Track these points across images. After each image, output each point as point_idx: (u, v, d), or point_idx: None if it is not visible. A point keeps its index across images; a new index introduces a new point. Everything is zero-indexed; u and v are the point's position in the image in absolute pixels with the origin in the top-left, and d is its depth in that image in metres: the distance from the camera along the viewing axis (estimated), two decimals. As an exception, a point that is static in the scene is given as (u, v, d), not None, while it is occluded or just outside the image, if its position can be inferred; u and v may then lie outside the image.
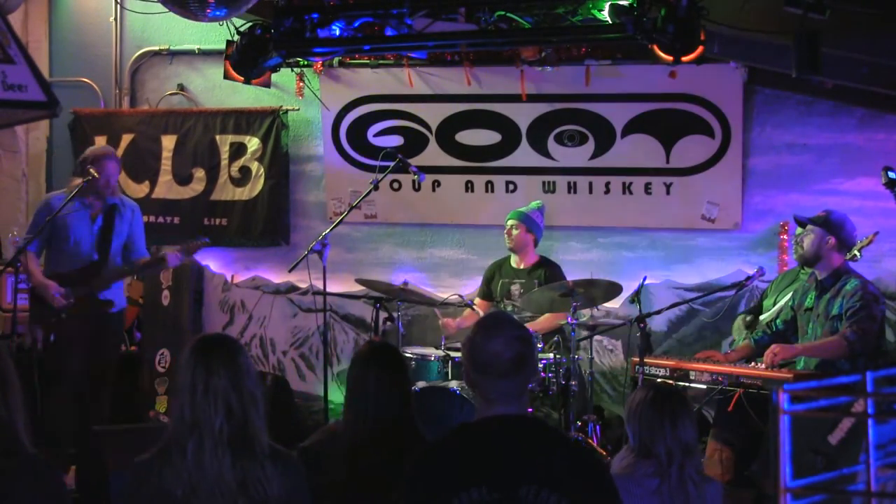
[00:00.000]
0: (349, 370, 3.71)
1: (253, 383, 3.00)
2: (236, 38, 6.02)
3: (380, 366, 3.62)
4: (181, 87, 8.11)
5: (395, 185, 7.62)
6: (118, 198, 6.32)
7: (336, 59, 7.43)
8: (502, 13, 5.62)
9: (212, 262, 7.97)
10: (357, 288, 6.98)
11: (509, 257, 6.77)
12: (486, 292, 6.82)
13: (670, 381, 5.43)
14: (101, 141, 7.99)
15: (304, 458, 3.49)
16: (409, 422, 3.58)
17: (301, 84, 7.63)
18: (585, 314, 6.82)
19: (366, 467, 3.45)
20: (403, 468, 2.72)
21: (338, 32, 5.85)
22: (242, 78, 6.17)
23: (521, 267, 6.68)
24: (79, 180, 6.16)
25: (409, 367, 3.76)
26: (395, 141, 7.55)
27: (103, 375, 6.38)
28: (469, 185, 7.53)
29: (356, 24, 5.86)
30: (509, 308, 6.55)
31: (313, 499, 3.10)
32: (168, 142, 7.95)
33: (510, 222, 6.65)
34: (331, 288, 6.50)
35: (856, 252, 5.85)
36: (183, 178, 7.94)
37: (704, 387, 5.50)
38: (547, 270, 6.59)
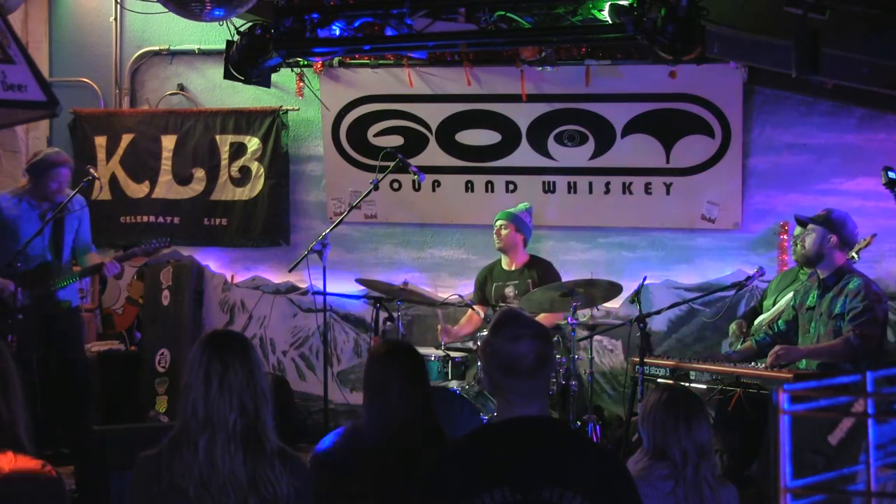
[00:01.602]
0: (367, 370, 3.65)
1: (265, 381, 3.00)
2: (236, 38, 6.02)
3: (399, 365, 3.56)
4: (181, 87, 8.11)
5: (395, 185, 7.62)
6: (63, 195, 6.27)
7: (336, 59, 7.43)
8: (502, 13, 5.62)
9: (212, 262, 7.97)
10: (357, 288, 6.98)
11: (499, 260, 6.75)
12: (482, 297, 6.79)
13: (670, 381, 5.43)
14: (101, 141, 8.00)
15: (326, 460, 3.45)
16: (432, 420, 3.53)
17: (301, 84, 7.63)
18: (585, 314, 6.82)
19: (389, 468, 3.39)
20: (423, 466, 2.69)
21: (338, 32, 5.84)
22: (242, 78, 6.16)
23: (513, 268, 6.65)
24: (24, 180, 6.26)
25: (421, 359, 3.71)
26: (395, 141, 7.55)
27: (75, 375, 6.37)
28: (469, 185, 7.53)
29: (356, 24, 5.85)
30: (505, 311, 6.51)
31: (338, 501, 3.08)
32: (168, 142, 7.94)
33: (499, 222, 6.62)
34: (331, 288, 6.50)
35: (853, 254, 5.84)
36: (183, 178, 7.93)
37: (704, 387, 5.50)
38: (539, 269, 6.57)
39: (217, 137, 7.87)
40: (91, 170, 6.32)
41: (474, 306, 6.69)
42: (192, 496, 2.85)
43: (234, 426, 2.89)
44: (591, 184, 7.33)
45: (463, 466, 2.59)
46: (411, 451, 3.37)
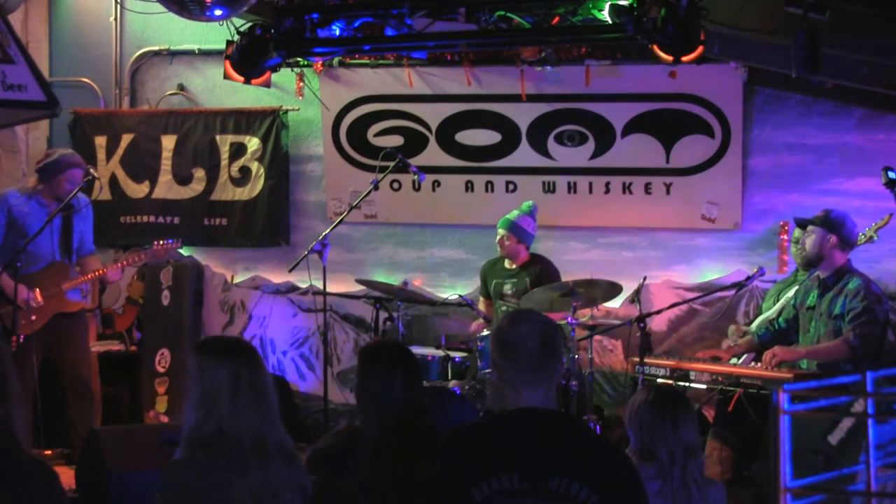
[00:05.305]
0: (358, 370, 3.66)
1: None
2: (236, 38, 6.02)
3: (392, 364, 3.57)
4: (181, 87, 8.10)
5: (395, 185, 7.62)
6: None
7: (336, 59, 7.43)
8: (502, 13, 5.63)
9: (212, 262, 7.97)
10: (357, 288, 6.98)
11: (503, 258, 6.74)
12: (486, 292, 6.80)
13: (670, 381, 5.43)
14: (101, 141, 7.99)
15: (322, 460, 3.46)
16: (425, 417, 3.54)
17: (301, 84, 7.63)
18: (585, 314, 6.81)
19: (388, 466, 3.40)
20: (423, 463, 2.72)
21: (338, 32, 5.85)
22: (242, 78, 6.16)
23: (513, 267, 6.64)
24: (34, 179, 6.22)
25: (418, 361, 3.73)
26: (395, 141, 7.55)
27: (78, 375, 6.37)
28: (469, 185, 7.53)
29: (356, 24, 5.86)
30: (503, 308, 6.52)
31: (335, 500, 3.12)
32: (168, 142, 7.94)
33: (500, 232, 6.56)
34: (331, 288, 6.50)
35: (872, 234, 5.85)
36: (183, 178, 7.93)
37: (704, 387, 5.50)
38: (538, 268, 6.55)
39: (217, 137, 7.87)
40: (91, 170, 6.31)
41: (475, 308, 6.68)
42: (234, 498, 2.87)
43: (264, 430, 2.93)
44: (591, 184, 7.33)
45: (475, 450, 2.63)
46: (405, 451, 3.38)
